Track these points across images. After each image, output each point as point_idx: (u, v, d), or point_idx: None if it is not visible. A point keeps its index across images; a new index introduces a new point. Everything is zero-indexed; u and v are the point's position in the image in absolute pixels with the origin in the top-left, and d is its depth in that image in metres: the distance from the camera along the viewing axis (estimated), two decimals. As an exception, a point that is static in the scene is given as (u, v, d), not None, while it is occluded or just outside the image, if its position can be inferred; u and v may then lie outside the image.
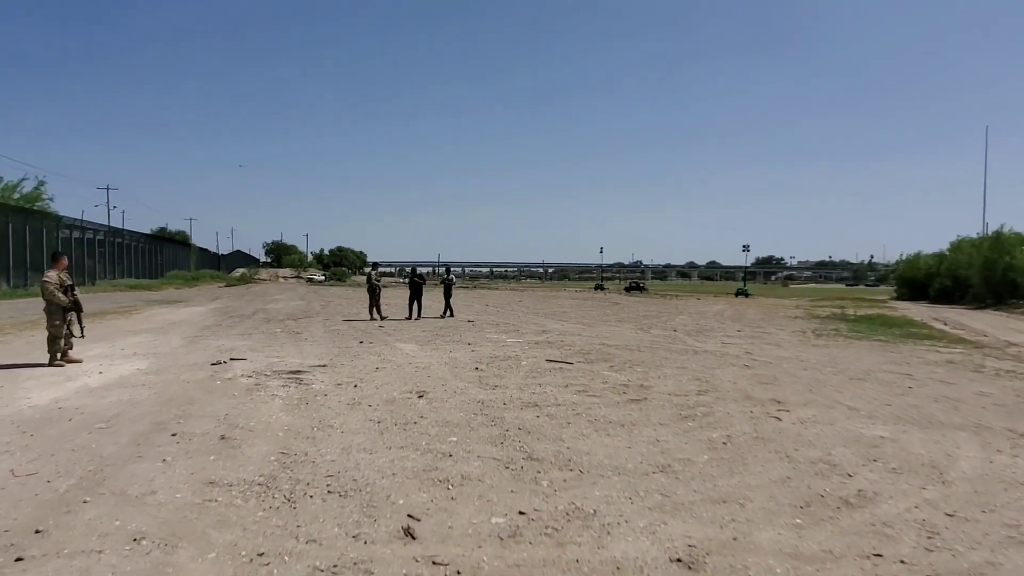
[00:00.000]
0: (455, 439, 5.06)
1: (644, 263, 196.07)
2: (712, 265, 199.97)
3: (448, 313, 18.02)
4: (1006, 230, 36.28)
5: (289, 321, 16.31)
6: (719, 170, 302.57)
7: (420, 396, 6.65)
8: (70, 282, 8.48)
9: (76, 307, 8.45)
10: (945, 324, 22.32)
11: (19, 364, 8.32)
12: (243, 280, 59.18)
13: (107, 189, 69.97)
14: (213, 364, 8.60)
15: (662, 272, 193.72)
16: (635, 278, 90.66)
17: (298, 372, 8.10)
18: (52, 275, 8.30)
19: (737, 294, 55.08)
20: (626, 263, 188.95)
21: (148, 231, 78.93)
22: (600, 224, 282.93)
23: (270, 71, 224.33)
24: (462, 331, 14.47)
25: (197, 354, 9.67)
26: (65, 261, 8.61)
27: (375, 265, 18.06)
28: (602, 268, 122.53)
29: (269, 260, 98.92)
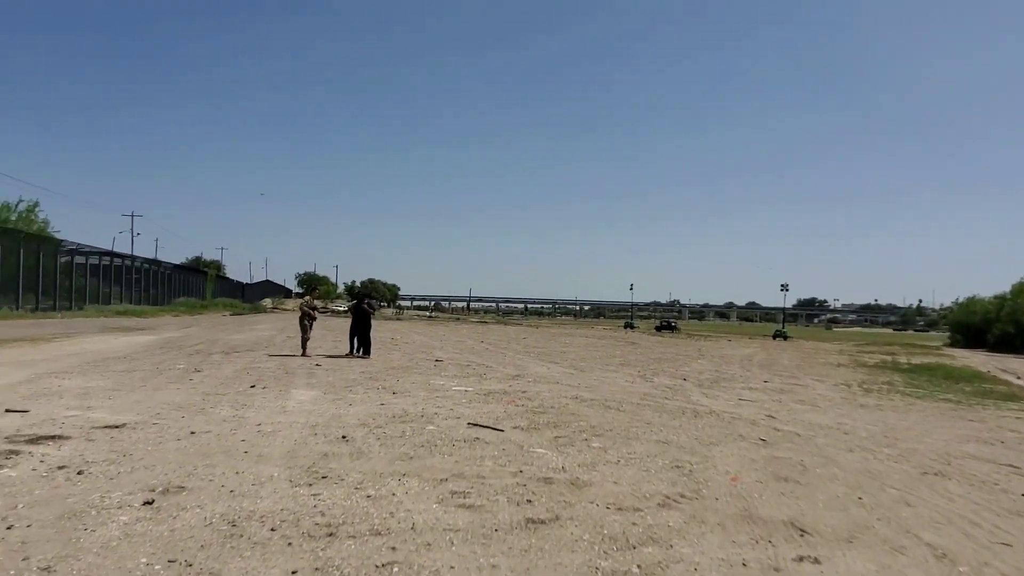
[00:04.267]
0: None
1: (681, 302, 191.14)
2: (751, 306, 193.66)
3: (361, 351, 14.43)
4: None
5: (218, 355, 13.63)
6: (760, 208, 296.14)
7: (148, 503, 3.73)
8: None
9: None
10: (1019, 378, 18.56)
11: None
12: (256, 309, 57.63)
13: (131, 216, 70.13)
14: (-47, 419, 5.85)
15: (700, 312, 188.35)
16: (669, 317, 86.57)
17: (55, 438, 5.27)
18: None
19: (775, 336, 51.01)
20: (662, 302, 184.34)
21: (182, 260, 79.09)
22: (637, 261, 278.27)
23: (305, 101, 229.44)
24: (408, 374, 11.55)
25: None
26: None
27: (312, 288, 15.18)
28: (634, 306, 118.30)
29: (301, 290, 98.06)
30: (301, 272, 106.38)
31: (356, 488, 4.25)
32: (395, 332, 28.70)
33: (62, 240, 36.81)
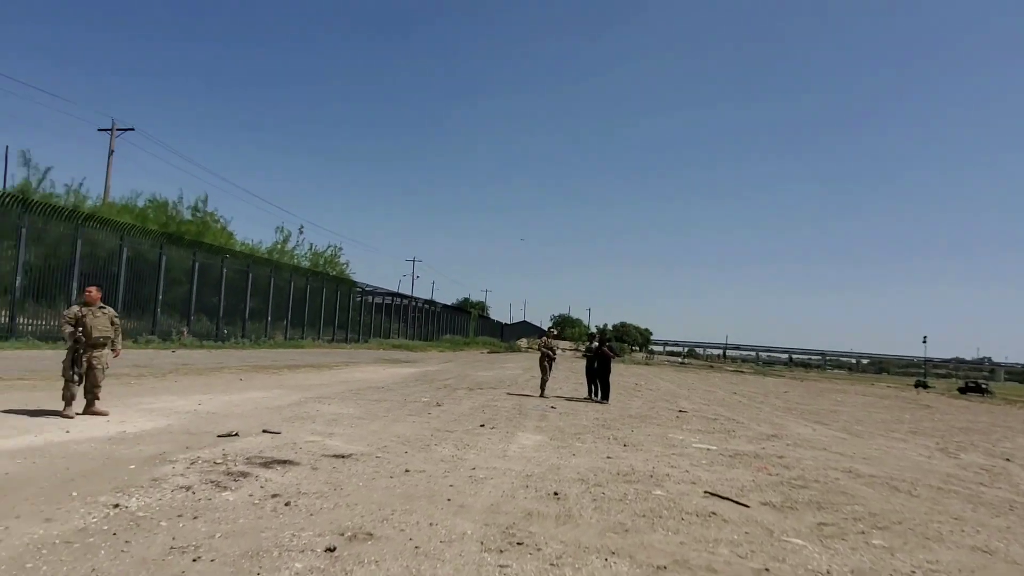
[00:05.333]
0: None
1: (992, 359, 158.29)
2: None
3: (600, 396, 13.79)
4: None
5: (462, 391, 14.12)
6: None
7: (329, 550, 3.45)
8: (86, 318, 6.96)
9: (82, 347, 6.95)
10: None
11: (33, 411, 7.13)
12: (511, 348, 60.94)
13: (412, 261, 79.85)
14: (220, 436, 6.47)
15: (1021, 373, 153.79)
16: (976, 377, 71.73)
17: (286, 463, 5.48)
18: (73, 308, 7.05)
19: None
20: (967, 358, 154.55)
21: (452, 301, 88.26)
22: (932, 309, 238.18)
23: (563, 155, 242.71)
24: (646, 424, 10.59)
25: (241, 420, 7.73)
26: (94, 293, 7.27)
27: (550, 329, 14.84)
28: (928, 362, 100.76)
29: (556, 332, 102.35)
30: (556, 314, 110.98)
31: (551, 564, 3.54)
32: (641, 377, 27.70)
33: (356, 282, 42.95)
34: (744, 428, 11.28)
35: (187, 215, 35.51)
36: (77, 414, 6.86)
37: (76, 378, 6.89)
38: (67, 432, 6.03)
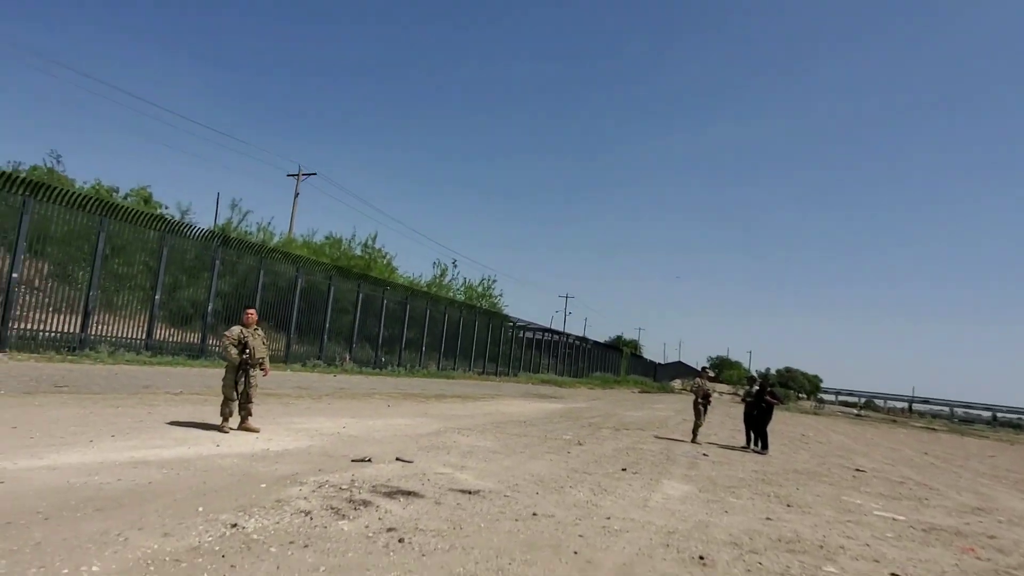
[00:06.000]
0: None
1: None
2: None
3: (759, 445, 12.51)
4: None
5: (607, 430, 13.42)
6: None
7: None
8: (248, 339, 7.41)
9: (246, 367, 7.34)
10: None
11: (196, 423, 7.60)
12: (664, 389, 58.53)
13: (565, 297, 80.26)
14: (354, 460, 6.44)
15: None
16: None
17: (410, 494, 5.27)
18: (235, 329, 7.44)
19: None
20: None
21: (604, 338, 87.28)
22: None
23: (727, 192, 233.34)
24: (815, 482, 9.28)
25: (378, 446, 7.71)
26: (251, 315, 7.67)
27: (704, 370, 13.55)
28: None
29: (712, 375, 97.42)
30: (713, 356, 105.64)
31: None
32: (809, 428, 25.10)
33: (508, 316, 43.63)
34: (940, 497, 9.53)
35: (357, 250, 38.40)
36: (232, 429, 7.22)
37: (236, 396, 7.28)
38: (217, 446, 6.31)
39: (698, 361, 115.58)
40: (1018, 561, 5.71)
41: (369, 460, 6.49)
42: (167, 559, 3.18)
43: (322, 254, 34.63)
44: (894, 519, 7.08)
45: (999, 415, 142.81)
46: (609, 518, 5.33)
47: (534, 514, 5.12)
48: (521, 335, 45.09)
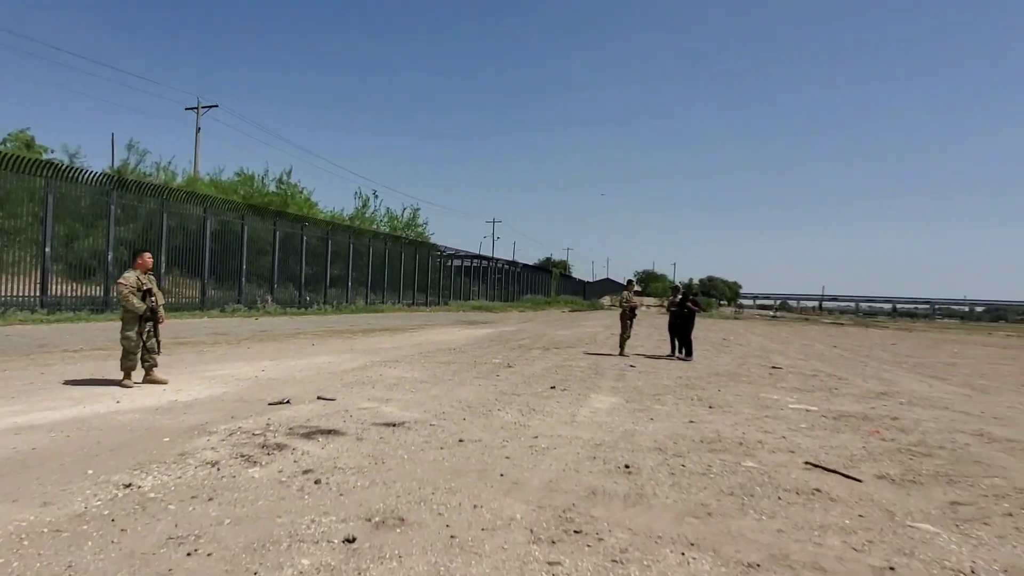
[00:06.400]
0: None
1: None
2: None
3: (683, 352, 12.92)
4: None
5: (537, 350, 13.55)
6: None
7: (348, 541, 2.93)
8: (149, 286, 6.89)
9: (152, 316, 6.86)
10: None
11: (96, 380, 7.08)
12: (594, 306, 59.96)
13: (492, 222, 79.71)
14: (271, 404, 6.15)
15: None
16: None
17: (330, 432, 5.06)
18: (129, 276, 6.82)
19: None
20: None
21: (534, 261, 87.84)
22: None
23: (638, 101, 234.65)
24: (735, 383, 9.67)
25: (299, 387, 7.44)
26: (148, 259, 7.07)
27: (630, 283, 13.80)
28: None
29: (639, 289, 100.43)
30: (640, 271, 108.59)
31: (614, 561, 2.88)
32: (729, 332, 26.30)
33: (436, 244, 43.07)
34: (848, 385, 10.14)
35: (272, 187, 36.53)
36: (135, 384, 6.75)
37: (138, 348, 6.77)
38: (117, 403, 5.88)
39: (626, 277, 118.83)
40: (918, 439, 6.11)
41: (287, 402, 6.22)
42: (45, 530, 2.87)
43: (233, 192, 32.80)
44: (807, 410, 7.45)
45: (898, 306, 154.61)
46: (536, 437, 5.31)
47: (460, 440, 5.03)
48: (450, 263, 44.76)
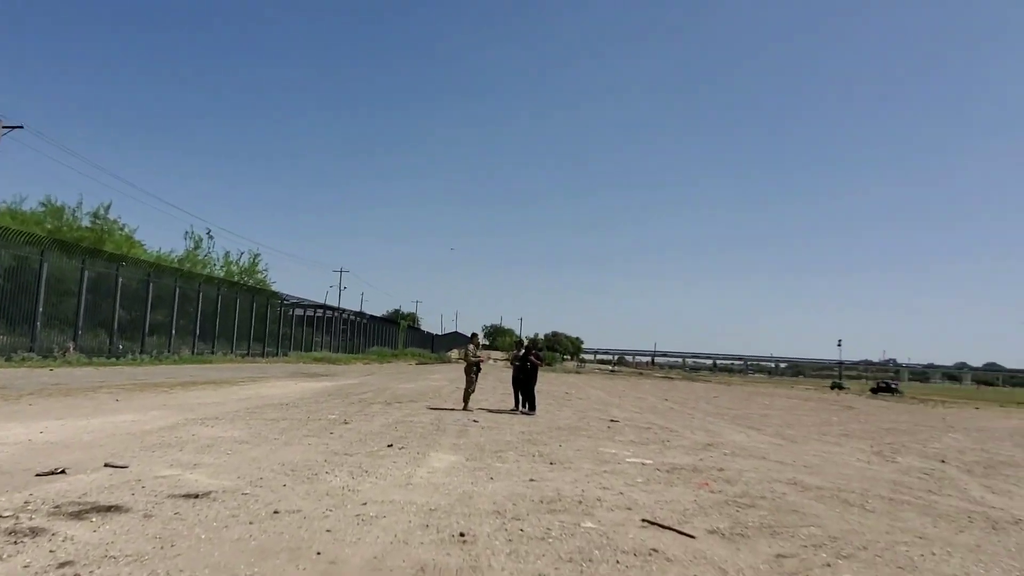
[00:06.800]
0: None
1: (898, 361, 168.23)
2: (991, 367, 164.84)
3: (526, 406, 12.85)
4: None
5: (379, 405, 12.87)
6: (999, 251, 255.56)
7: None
8: None
9: None
10: None
11: None
12: (441, 359, 59.46)
13: (340, 272, 77.07)
14: (40, 475, 5.09)
15: (923, 373, 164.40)
16: (885, 377, 75.25)
17: (111, 509, 4.21)
18: None
19: (1036, 405, 41.32)
20: (875, 360, 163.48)
21: (382, 313, 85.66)
22: (842, 315, 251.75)
23: (491, 163, 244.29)
24: (576, 437, 9.71)
25: (85, 452, 6.34)
26: None
27: (474, 336, 13.75)
28: (842, 364, 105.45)
29: (487, 343, 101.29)
30: (487, 325, 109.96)
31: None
32: (571, 386, 27.04)
33: (278, 292, 40.61)
34: (679, 437, 10.58)
35: (86, 221, 32.67)
36: None
37: None
38: None
39: (472, 330, 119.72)
40: (742, 489, 6.36)
41: (62, 471, 5.18)
42: None
43: (36, 225, 28.96)
44: (643, 464, 7.57)
45: (718, 362, 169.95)
46: (366, 504, 4.80)
47: (275, 512, 4.41)
48: (291, 313, 42.35)
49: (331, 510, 4.56)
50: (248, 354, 32.60)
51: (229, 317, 32.13)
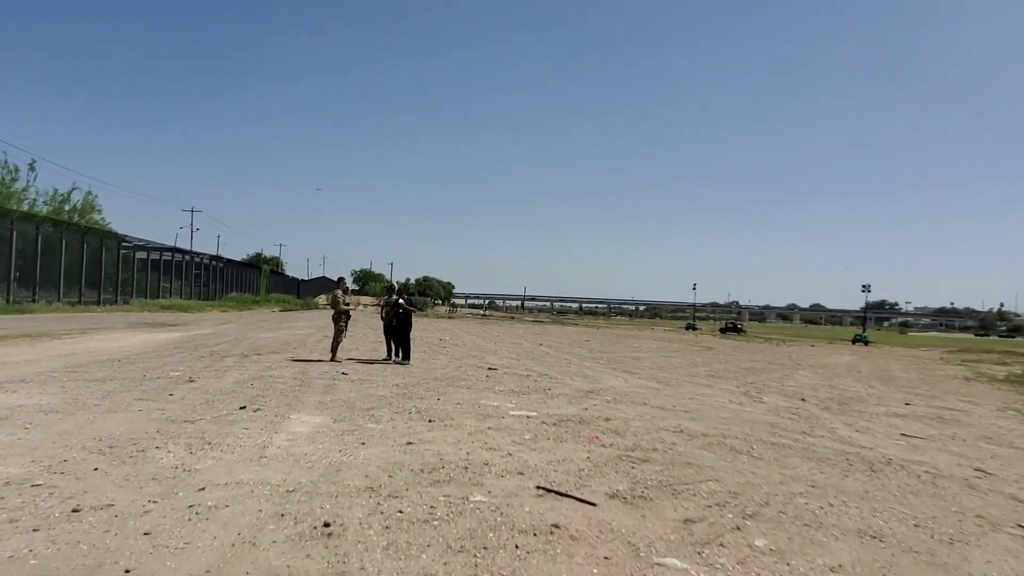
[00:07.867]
0: None
1: (740, 303, 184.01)
2: (816, 308, 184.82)
3: (400, 355, 12.15)
4: None
5: (233, 358, 11.51)
6: (827, 203, 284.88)
7: None
8: None
9: None
10: None
11: None
12: (308, 306, 56.61)
13: (191, 211, 70.21)
14: None
15: (760, 314, 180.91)
16: (731, 319, 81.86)
17: None
18: None
19: (855, 341, 46.54)
20: (721, 303, 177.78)
21: (242, 257, 79.42)
22: (694, 260, 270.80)
23: (359, 94, 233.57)
24: (454, 388, 9.10)
25: None
26: None
27: (341, 280, 12.61)
28: (695, 307, 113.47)
29: (357, 288, 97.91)
30: (357, 269, 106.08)
31: None
32: (445, 332, 26.48)
33: (119, 234, 36.16)
34: (559, 385, 10.30)
35: None
36: None
37: None
38: None
39: (339, 275, 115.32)
40: (632, 442, 6.05)
41: None
42: None
43: None
44: (527, 416, 7.11)
45: (584, 306, 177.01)
46: (203, 488, 3.87)
47: (75, 510, 3.39)
48: (134, 256, 37.98)
49: (156, 501, 3.60)
50: (80, 302, 28.82)
51: (55, 260, 28.10)
